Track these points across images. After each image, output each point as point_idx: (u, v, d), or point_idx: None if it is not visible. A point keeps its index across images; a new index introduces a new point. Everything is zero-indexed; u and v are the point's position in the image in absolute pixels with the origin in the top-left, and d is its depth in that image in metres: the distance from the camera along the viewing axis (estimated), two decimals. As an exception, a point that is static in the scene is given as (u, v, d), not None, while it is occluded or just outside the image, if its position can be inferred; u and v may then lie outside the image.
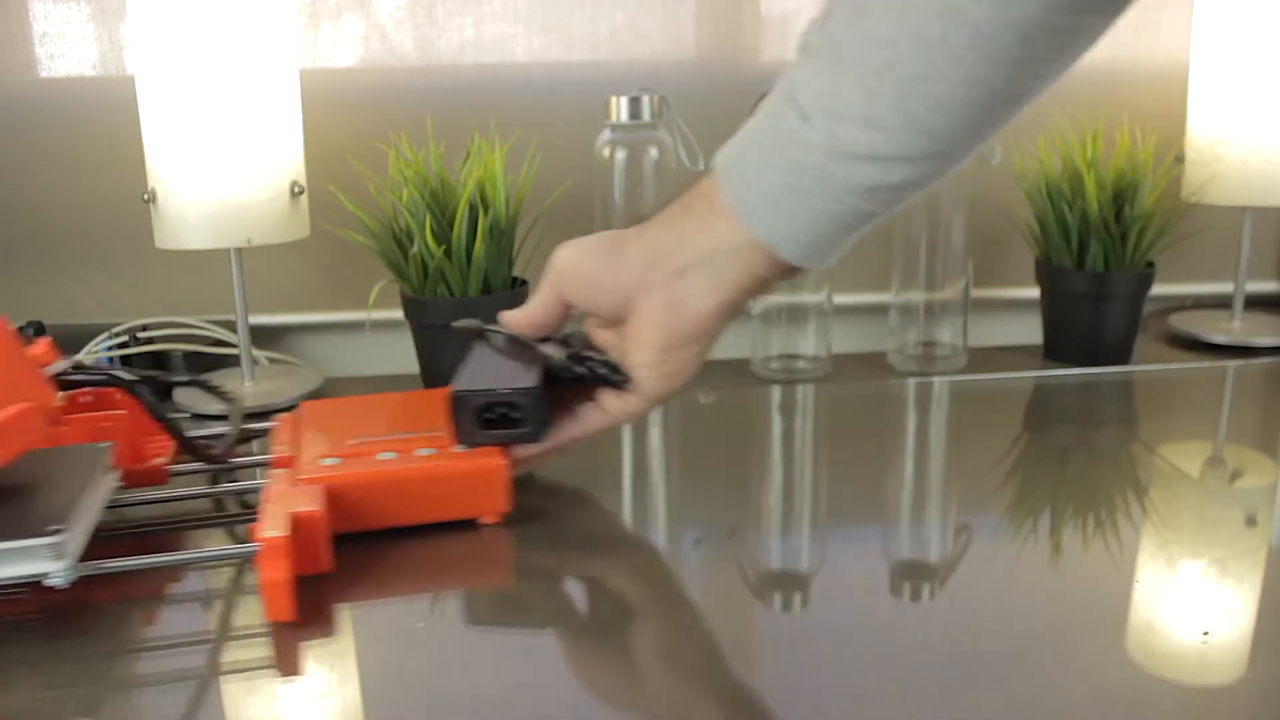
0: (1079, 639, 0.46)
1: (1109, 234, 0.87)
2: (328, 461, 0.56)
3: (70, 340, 0.89)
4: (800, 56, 0.49)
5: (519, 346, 0.60)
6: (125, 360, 0.78)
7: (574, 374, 0.58)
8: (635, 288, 0.52)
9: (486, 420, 0.56)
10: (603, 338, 0.57)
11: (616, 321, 0.55)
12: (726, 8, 0.94)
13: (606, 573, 0.54)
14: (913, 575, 0.53)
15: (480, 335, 0.63)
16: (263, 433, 0.65)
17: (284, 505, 0.50)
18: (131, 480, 0.59)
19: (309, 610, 0.48)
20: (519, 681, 0.43)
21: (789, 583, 0.53)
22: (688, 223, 0.51)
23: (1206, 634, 0.46)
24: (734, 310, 0.52)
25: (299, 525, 0.49)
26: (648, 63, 0.93)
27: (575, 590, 0.52)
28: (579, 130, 0.87)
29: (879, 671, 0.44)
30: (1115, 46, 1.02)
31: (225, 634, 0.48)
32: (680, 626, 0.49)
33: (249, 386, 0.84)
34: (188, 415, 0.80)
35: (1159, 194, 0.88)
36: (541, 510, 0.61)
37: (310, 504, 0.50)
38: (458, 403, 0.56)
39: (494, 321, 0.61)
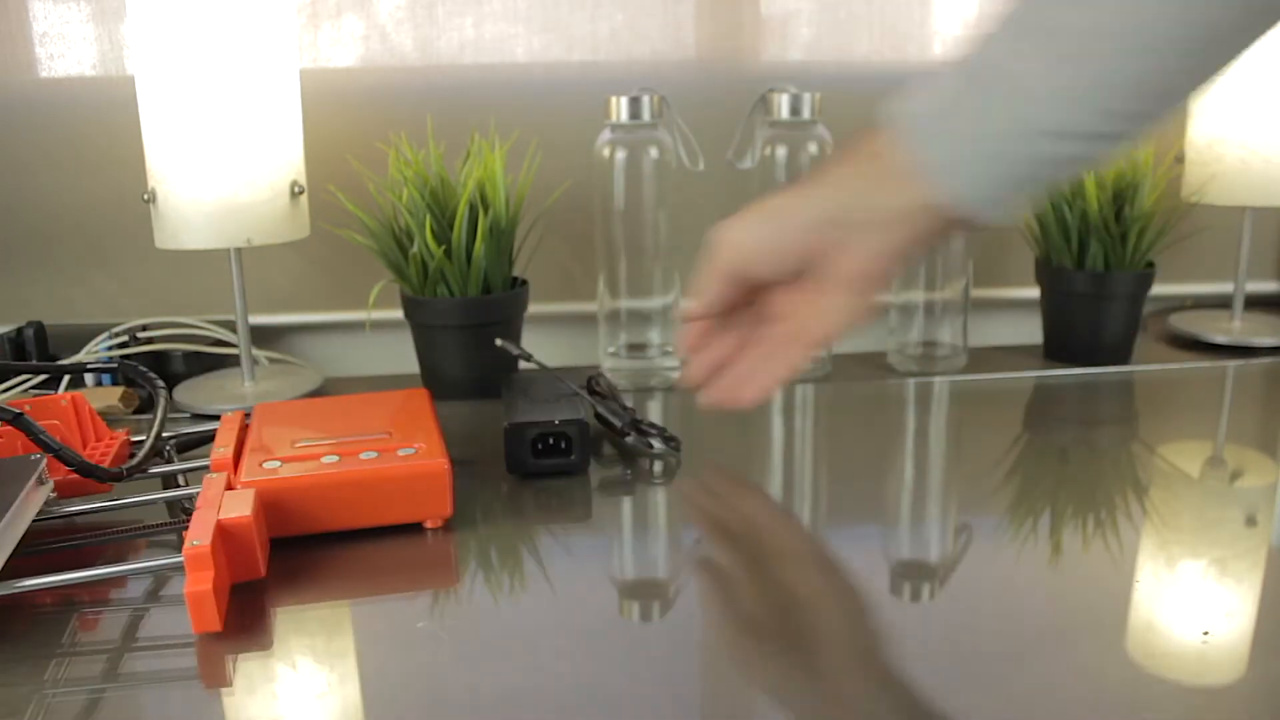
0: (1079, 639, 0.46)
1: (1109, 234, 0.87)
2: (270, 464, 0.55)
3: (70, 340, 0.89)
4: (993, 29, 0.49)
5: (558, 384, 0.70)
6: (125, 360, 0.78)
7: (630, 435, 0.69)
8: (817, 246, 0.52)
9: (537, 450, 0.64)
10: (781, 301, 0.56)
11: (794, 279, 0.55)
12: (726, 8, 0.94)
13: (606, 573, 0.54)
14: (913, 575, 0.53)
15: (516, 361, 0.72)
16: (211, 435, 0.64)
17: (215, 512, 0.49)
18: (74, 489, 0.58)
19: (243, 618, 0.48)
20: (476, 685, 0.43)
21: (789, 582, 0.53)
22: (862, 183, 0.51)
23: (1206, 634, 0.46)
24: (913, 255, 0.53)
25: (227, 532, 0.49)
26: (648, 63, 0.93)
27: (564, 593, 0.52)
28: (579, 130, 0.87)
29: (879, 671, 0.44)
30: (1115, 46, 1.02)
31: (155, 643, 0.47)
32: (679, 627, 0.49)
33: (249, 386, 0.84)
34: (188, 415, 0.80)
35: (1159, 194, 0.88)
36: (535, 510, 0.61)
37: (240, 510, 0.50)
38: (512, 433, 0.64)
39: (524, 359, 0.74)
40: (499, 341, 0.74)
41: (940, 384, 0.86)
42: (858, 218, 0.51)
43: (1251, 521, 0.57)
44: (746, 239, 0.54)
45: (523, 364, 0.75)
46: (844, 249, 0.52)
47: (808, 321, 0.56)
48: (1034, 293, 0.95)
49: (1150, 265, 0.91)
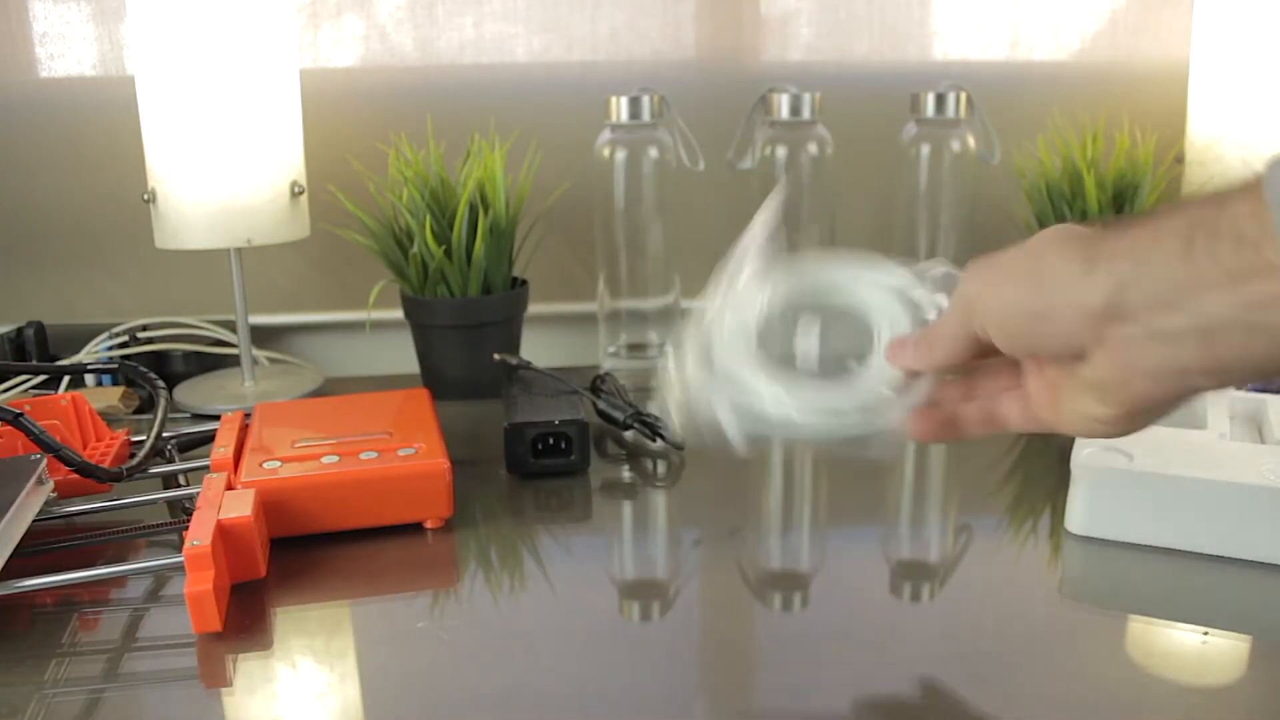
0: (1079, 639, 0.46)
1: (1109, 234, 0.87)
2: (270, 464, 0.56)
3: (70, 340, 0.89)
4: None
5: (557, 384, 0.71)
6: (125, 360, 0.78)
7: (634, 429, 0.68)
8: (1086, 340, 0.37)
9: (537, 450, 0.64)
10: (1035, 382, 0.43)
11: (1051, 361, 0.41)
12: (726, 8, 0.94)
13: (606, 573, 0.54)
14: (913, 575, 0.53)
15: (515, 370, 0.73)
16: (211, 435, 0.64)
17: (215, 512, 0.49)
18: (74, 489, 0.58)
19: (243, 618, 0.48)
20: (476, 685, 0.43)
21: (789, 583, 0.53)
22: (1204, 267, 0.34)
23: (1206, 634, 0.46)
24: (1232, 384, 0.37)
25: (228, 532, 0.49)
26: (648, 63, 0.93)
27: (564, 593, 0.52)
28: (579, 130, 0.87)
29: (879, 671, 0.44)
30: (1115, 46, 1.03)
31: (155, 643, 0.47)
32: (679, 627, 0.49)
33: (249, 386, 0.84)
34: (188, 415, 0.80)
35: (1159, 194, 0.88)
36: (535, 510, 0.61)
37: (241, 510, 0.50)
38: (512, 433, 0.64)
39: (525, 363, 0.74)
40: (497, 355, 0.75)
41: (940, 384, 0.86)
42: (1173, 321, 0.35)
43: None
44: (989, 296, 0.40)
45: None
46: (1124, 355, 0.37)
47: (1044, 412, 0.43)
48: (1034, 293, 0.95)
49: (1150, 265, 0.90)
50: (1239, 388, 0.34)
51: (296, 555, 0.54)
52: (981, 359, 0.43)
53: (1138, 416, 0.38)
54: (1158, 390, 0.37)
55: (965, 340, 0.42)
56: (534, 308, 0.85)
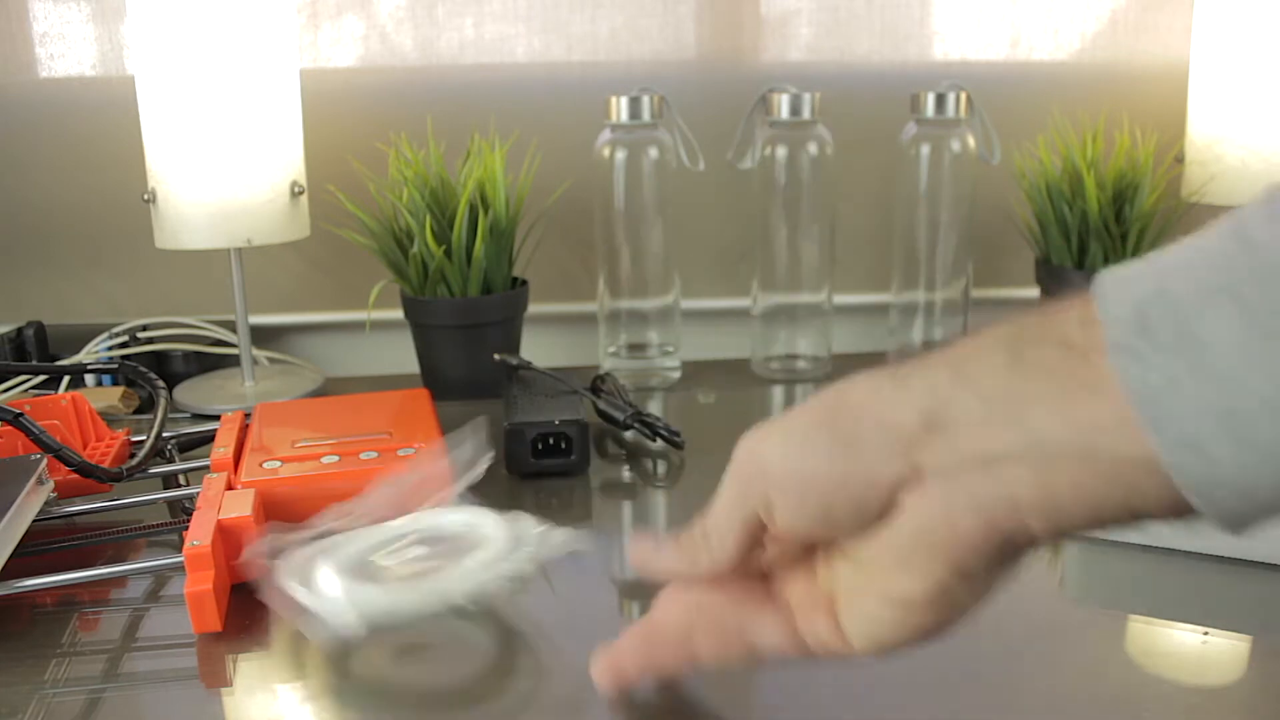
0: (1079, 639, 0.46)
1: (1109, 234, 0.87)
2: (270, 464, 0.56)
3: (70, 340, 0.89)
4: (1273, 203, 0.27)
5: (557, 384, 0.71)
6: (125, 360, 0.78)
7: (634, 429, 0.68)
8: (898, 479, 0.31)
9: (537, 450, 0.64)
10: (802, 588, 0.36)
11: (851, 533, 0.33)
12: (726, 8, 0.94)
13: (606, 573, 0.54)
14: (913, 575, 0.53)
15: (515, 370, 0.73)
16: (211, 435, 0.64)
17: (215, 512, 0.49)
18: (74, 489, 0.58)
19: (243, 618, 0.48)
20: (476, 685, 0.43)
21: (789, 583, 0.53)
22: (1032, 377, 0.29)
23: (1206, 634, 0.46)
24: (1071, 537, 0.32)
25: (228, 532, 0.49)
26: (648, 63, 0.93)
27: (564, 593, 0.52)
28: (579, 130, 0.87)
29: (878, 671, 0.44)
30: (1115, 46, 1.03)
31: (155, 643, 0.47)
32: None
33: (249, 386, 0.84)
34: (188, 415, 0.80)
35: (1159, 194, 0.88)
36: (535, 510, 0.61)
37: (241, 510, 0.50)
38: (512, 433, 0.64)
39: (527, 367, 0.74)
40: (498, 356, 0.75)
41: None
42: (998, 443, 0.29)
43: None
44: (783, 466, 0.33)
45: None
46: (944, 489, 0.30)
47: (817, 623, 0.35)
48: (1034, 293, 0.95)
49: (1150, 265, 0.90)
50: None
51: (296, 555, 0.54)
52: (743, 565, 0.36)
53: (955, 586, 0.31)
54: (984, 531, 0.30)
55: (744, 524, 0.35)
56: (534, 308, 0.85)
